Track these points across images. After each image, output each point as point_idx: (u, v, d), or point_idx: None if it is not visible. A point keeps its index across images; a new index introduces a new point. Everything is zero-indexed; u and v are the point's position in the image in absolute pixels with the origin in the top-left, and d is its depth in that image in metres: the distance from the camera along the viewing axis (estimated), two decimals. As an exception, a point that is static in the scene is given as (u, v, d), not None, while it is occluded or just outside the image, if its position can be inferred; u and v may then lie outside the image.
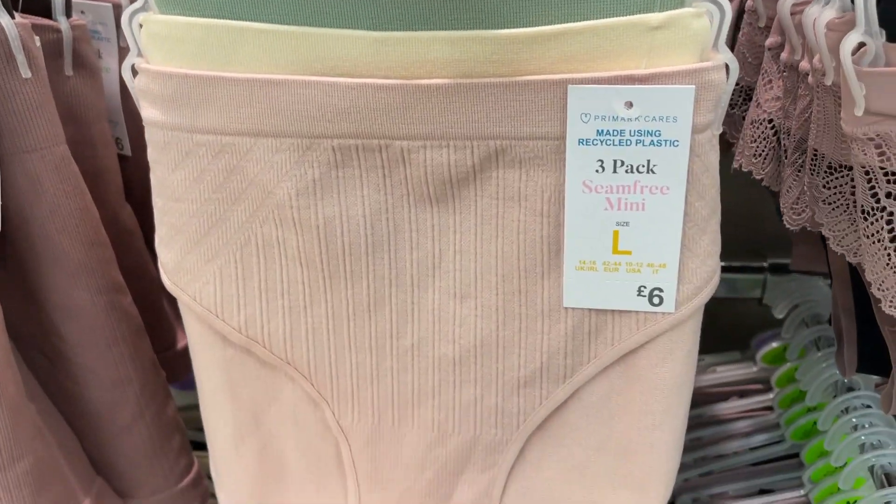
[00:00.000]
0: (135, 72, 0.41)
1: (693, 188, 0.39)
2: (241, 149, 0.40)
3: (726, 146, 0.61)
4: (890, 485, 0.63)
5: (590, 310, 0.41)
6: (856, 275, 0.59)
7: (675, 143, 0.37)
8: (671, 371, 0.42)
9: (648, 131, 0.37)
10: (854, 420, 0.69)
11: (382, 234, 0.41)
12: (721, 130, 0.39)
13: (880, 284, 0.40)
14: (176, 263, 0.44)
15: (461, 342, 0.43)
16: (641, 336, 0.41)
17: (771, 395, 0.85)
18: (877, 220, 0.39)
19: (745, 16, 0.55)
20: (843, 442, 0.68)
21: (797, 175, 0.49)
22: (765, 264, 0.90)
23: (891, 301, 0.40)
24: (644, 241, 0.40)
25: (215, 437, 0.48)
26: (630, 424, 0.44)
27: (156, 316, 0.65)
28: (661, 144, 0.37)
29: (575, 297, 0.41)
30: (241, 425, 0.47)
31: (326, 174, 0.40)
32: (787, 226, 0.50)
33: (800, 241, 0.75)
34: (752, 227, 0.97)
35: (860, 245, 0.42)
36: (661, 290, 0.41)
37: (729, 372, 0.92)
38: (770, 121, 0.51)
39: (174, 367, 0.67)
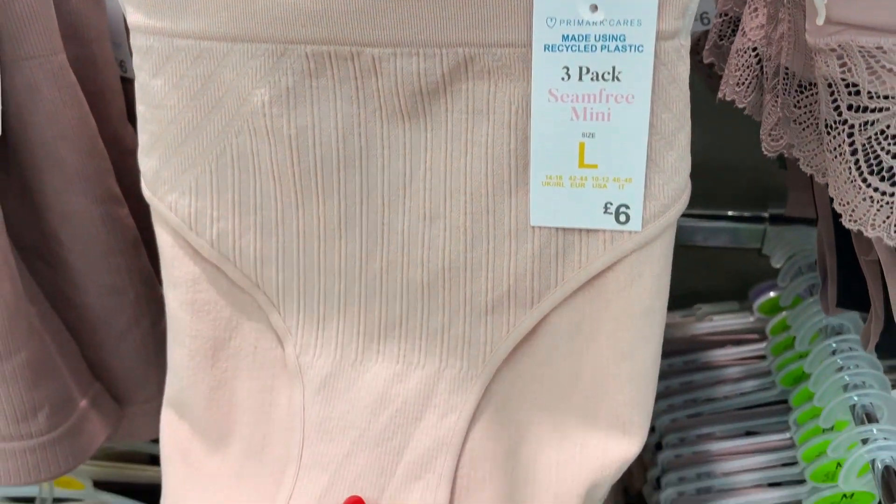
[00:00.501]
0: None
1: (659, 98, 0.39)
2: (217, 54, 0.41)
3: (718, 81, 0.61)
4: (871, 423, 0.64)
5: (557, 230, 0.42)
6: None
7: (640, 49, 0.38)
8: (639, 295, 0.42)
9: (613, 36, 0.38)
10: (839, 361, 0.69)
11: (354, 149, 0.42)
12: (689, 41, 0.40)
13: (841, 199, 0.40)
14: (155, 172, 0.45)
15: (430, 266, 0.43)
16: (609, 257, 0.42)
17: (765, 345, 0.86)
18: (839, 134, 0.39)
19: (733, -56, 0.55)
20: (827, 382, 0.69)
21: (775, 100, 0.49)
22: (765, 214, 0.90)
23: (850, 215, 0.40)
24: (610, 153, 0.40)
25: (174, 360, 0.48)
26: (599, 356, 0.43)
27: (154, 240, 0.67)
28: (625, 50, 0.38)
29: (542, 215, 0.42)
30: (196, 353, 0.46)
31: (300, 83, 0.41)
32: (766, 152, 0.51)
33: (794, 185, 0.75)
34: (754, 177, 0.97)
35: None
36: (627, 206, 0.41)
37: (725, 321, 0.93)
38: (754, 49, 0.52)
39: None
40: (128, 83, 0.66)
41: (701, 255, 0.96)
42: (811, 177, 0.65)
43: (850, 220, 0.40)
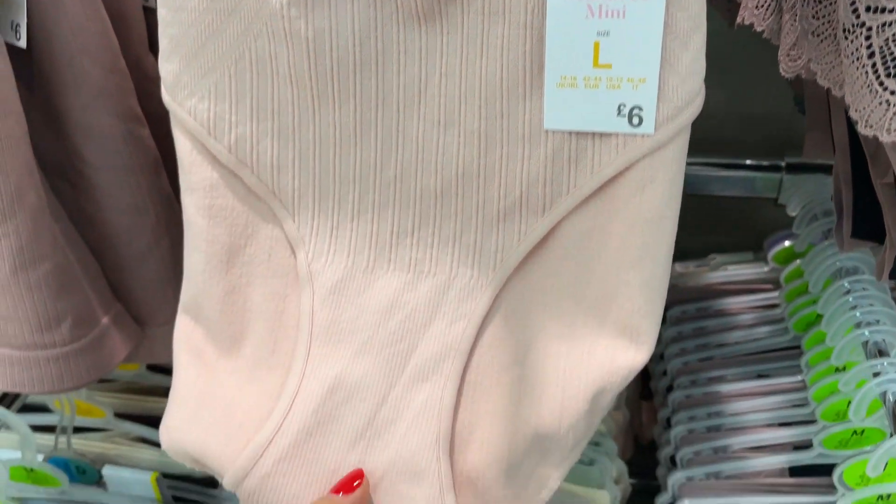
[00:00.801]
0: None
1: None
2: None
3: (737, 10, 0.61)
4: (882, 357, 0.64)
5: (570, 135, 0.42)
6: (855, 141, 0.59)
7: None
8: (651, 200, 0.42)
9: (629, -71, 0.38)
10: (852, 300, 0.69)
11: (371, 53, 0.42)
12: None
13: (857, 105, 0.41)
14: (174, 77, 0.46)
15: (443, 173, 0.44)
16: (621, 161, 0.42)
17: (779, 293, 0.86)
18: (856, 38, 0.39)
19: None
20: (839, 320, 0.69)
21: (793, 21, 0.49)
22: (782, 163, 0.89)
23: (866, 121, 0.40)
24: (624, 52, 0.40)
25: (191, 265, 0.49)
26: (609, 264, 0.44)
27: (176, 165, 0.68)
28: None
29: (556, 118, 0.42)
30: (212, 258, 0.47)
31: None
32: (783, 73, 0.51)
33: (812, 126, 0.75)
34: (772, 126, 0.97)
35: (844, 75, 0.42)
36: (640, 108, 0.41)
37: (739, 270, 0.93)
38: (774, -30, 0.51)
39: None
40: (150, 13, 0.66)
41: (717, 206, 0.96)
42: (829, 112, 0.65)
43: (865, 126, 0.40)
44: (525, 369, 0.45)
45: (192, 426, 0.46)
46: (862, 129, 0.40)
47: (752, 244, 0.97)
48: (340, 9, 0.41)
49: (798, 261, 0.84)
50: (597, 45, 0.41)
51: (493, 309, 0.45)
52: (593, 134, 0.42)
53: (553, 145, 0.42)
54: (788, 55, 0.50)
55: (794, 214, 0.85)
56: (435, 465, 0.43)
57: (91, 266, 0.58)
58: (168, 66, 0.46)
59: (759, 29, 0.55)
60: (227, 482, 0.44)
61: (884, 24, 0.38)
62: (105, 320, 0.58)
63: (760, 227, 0.95)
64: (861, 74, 0.40)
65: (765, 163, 0.91)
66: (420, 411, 0.44)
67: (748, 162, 0.91)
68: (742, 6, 0.56)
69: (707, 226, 0.97)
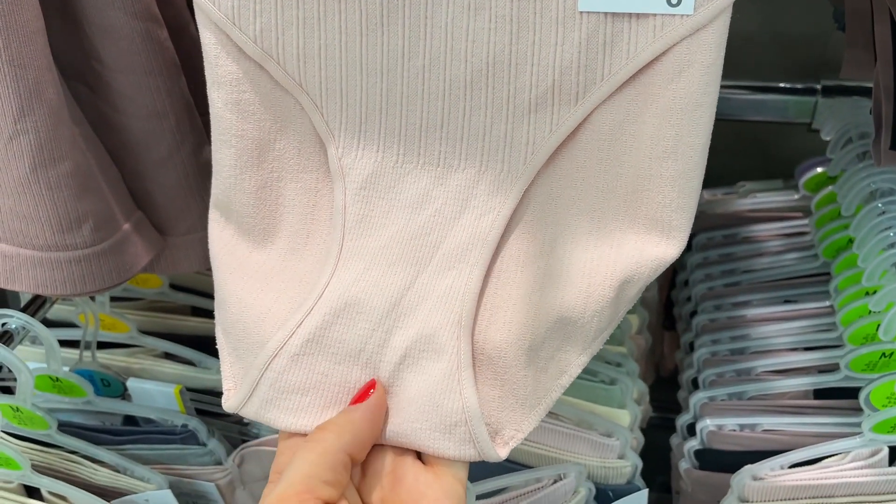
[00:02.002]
0: None
1: None
2: None
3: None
4: (914, 280, 0.63)
5: (605, 17, 0.40)
6: (900, 48, 0.56)
7: None
8: (688, 87, 0.41)
9: None
10: (885, 221, 0.68)
11: None
12: None
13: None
14: None
15: (473, 60, 0.42)
16: (659, 45, 0.40)
17: (809, 220, 0.84)
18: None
19: None
20: (872, 241, 0.67)
21: None
22: (817, 86, 0.86)
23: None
24: None
25: (220, 161, 0.48)
26: (641, 155, 0.43)
27: (195, 76, 0.67)
28: None
29: None
30: (243, 153, 0.46)
31: None
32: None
33: (852, 44, 0.72)
34: (808, 48, 0.93)
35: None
36: None
37: (769, 198, 0.91)
38: None
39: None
40: (166, -85, 0.64)
41: (748, 132, 0.93)
42: (871, 23, 0.62)
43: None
44: (552, 259, 0.45)
45: (234, 323, 0.47)
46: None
47: (783, 171, 0.94)
48: None
49: (830, 187, 0.82)
50: (634, -79, 0.39)
51: (523, 202, 0.45)
52: (629, 15, 0.40)
53: (587, 28, 0.40)
54: (833, -52, 0.48)
55: (828, 139, 0.83)
56: (454, 343, 0.43)
57: (111, 171, 0.57)
58: None
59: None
60: (257, 363, 0.44)
61: None
62: (126, 226, 0.57)
63: (792, 153, 0.93)
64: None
65: (798, 86, 0.88)
66: (444, 294, 0.44)
67: (781, 85, 0.88)
68: None
69: (737, 152, 0.94)
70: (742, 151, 0.97)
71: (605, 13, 0.40)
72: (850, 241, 0.73)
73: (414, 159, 0.45)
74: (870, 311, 0.67)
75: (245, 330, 0.45)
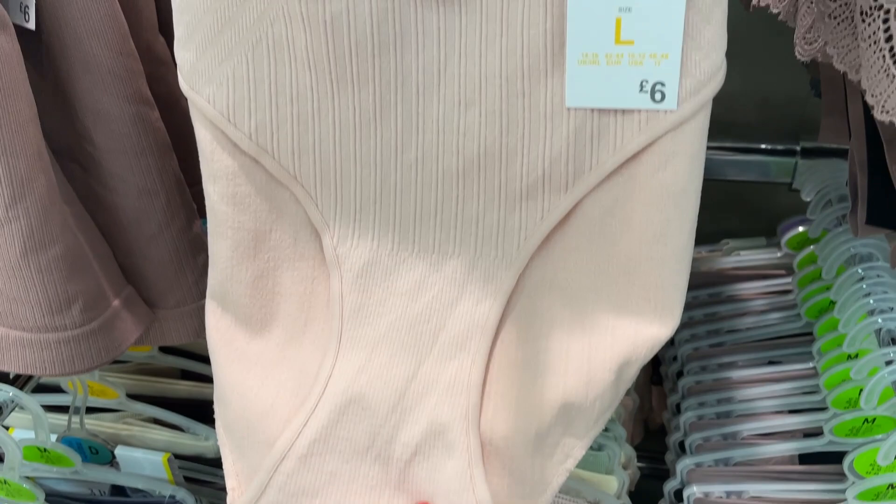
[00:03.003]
0: None
1: None
2: None
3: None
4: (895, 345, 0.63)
5: (592, 111, 0.42)
6: (871, 126, 0.58)
7: None
8: (674, 175, 0.42)
9: None
10: (865, 287, 0.69)
11: (388, 35, 0.42)
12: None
13: (874, 90, 0.40)
14: (191, 65, 0.45)
15: (465, 153, 0.43)
16: (644, 137, 0.41)
17: (792, 279, 0.85)
18: (874, 21, 0.38)
19: None
20: (852, 307, 0.69)
21: (810, 3, 0.48)
22: (797, 147, 0.88)
23: (882, 106, 0.40)
24: (646, 28, 0.40)
25: (216, 253, 0.49)
26: (632, 239, 0.44)
27: (187, 149, 0.68)
28: None
29: (578, 96, 0.41)
30: (239, 245, 0.47)
31: None
32: (799, 57, 0.50)
33: (828, 111, 0.74)
34: (787, 110, 0.95)
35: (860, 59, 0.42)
36: (663, 84, 0.41)
37: (752, 256, 0.92)
38: (790, -49, 0.50)
39: (200, 201, 0.70)
40: (159, -6, 0.66)
41: (731, 191, 0.95)
42: (845, 96, 0.64)
43: (882, 112, 0.40)
44: (550, 342, 0.45)
45: (237, 420, 0.47)
46: (878, 115, 0.40)
47: (765, 229, 0.96)
48: None
49: (811, 246, 0.83)
50: (619, 22, 0.40)
51: (518, 287, 0.45)
52: (616, 110, 0.41)
53: (575, 123, 0.42)
54: (804, 38, 0.49)
55: (808, 199, 0.85)
56: (464, 438, 0.44)
57: (101, 248, 0.58)
58: (184, 54, 0.45)
59: (774, 11, 0.54)
60: (265, 466, 0.45)
61: (902, 8, 0.37)
62: (116, 303, 0.58)
63: (774, 212, 0.94)
64: (878, 59, 0.39)
65: (779, 147, 0.90)
66: (449, 385, 0.45)
67: (763, 146, 0.90)
68: (758, -12, 0.55)
69: (720, 210, 0.96)
70: (725, 210, 0.99)
71: (592, 109, 0.42)
72: (832, 302, 0.74)
73: (409, 247, 0.46)
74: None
75: (248, 427, 0.46)
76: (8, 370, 0.54)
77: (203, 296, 0.63)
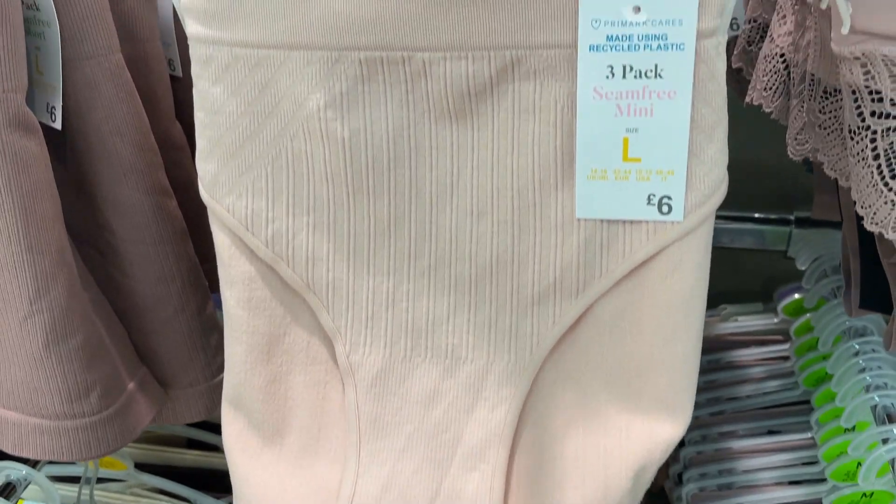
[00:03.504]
0: None
1: (699, 94, 0.41)
2: (275, 62, 0.43)
3: (743, 90, 0.62)
4: (891, 423, 0.65)
5: (602, 222, 0.43)
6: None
7: (681, 47, 0.39)
8: (681, 282, 0.43)
9: (655, 35, 0.39)
10: (861, 362, 0.70)
11: (404, 149, 0.44)
12: (726, 38, 0.41)
13: (863, 202, 0.42)
14: (213, 176, 0.47)
15: (477, 260, 0.45)
16: (652, 246, 0.43)
17: (789, 346, 0.87)
18: (862, 139, 0.41)
19: (764, -48, 0.56)
20: (849, 383, 0.70)
21: (801, 106, 0.51)
22: (791, 217, 0.91)
23: (872, 218, 0.42)
24: (653, 147, 0.42)
25: (231, 356, 0.50)
26: (642, 343, 0.45)
27: (200, 229, 0.70)
28: (667, 48, 0.40)
29: (587, 208, 0.43)
30: (253, 349, 0.48)
31: (353, 88, 0.43)
32: (791, 156, 0.53)
33: (821, 189, 0.76)
34: (780, 180, 0.98)
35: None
36: (669, 197, 0.42)
37: (750, 321, 0.94)
38: (782, 55, 0.53)
39: (214, 278, 0.71)
40: (175, 81, 0.69)
41: (727, 257, 0.97)
42: (836, 181, 0.66)
43: (871, 223, 0.42)
44: (566, 448, 0.46)
45: None
46: (868, 226, 0.42)
47: (761, 292, 0.98)
48: (375, 109, 0.43)
49: (808, 314, 0.85)
50: (626, 141, 0.42)
51: (532, 392, 0.46)
52: (624, 221, 0.43)
53: (585, 232, 0.43)
54: (796, 139, 0.52)
55: (803, 268, 0.87)
56: None
57: (118, 332, 0.60)
58: (206, 166, 0.47)
59: (767, 110, 0.56)
60: None
61: (888, 129, 0.39)
62: (131, 385, 0.59)
63: (770, 276, 0.96)
64: (867, 174, 0.41)
65: (773, 216, 0.92)
66: (472, 500, 0.45)
67: (757, 215, 0.93)
68: (751, 86, 0.58)
69: (716, 275, 0.97)
70: (722, 274, 1.00)
71: (602, 219, 0.43)
72: (830, 374, 0.76)
73: (422, 353, 0.47)
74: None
75: None
76: (26, 456, 0.56)
77: (214, 375, 0.65)
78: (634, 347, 0.45)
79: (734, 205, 0.94)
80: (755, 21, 0.59)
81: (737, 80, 0.67)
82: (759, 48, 0.60)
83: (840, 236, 0.88)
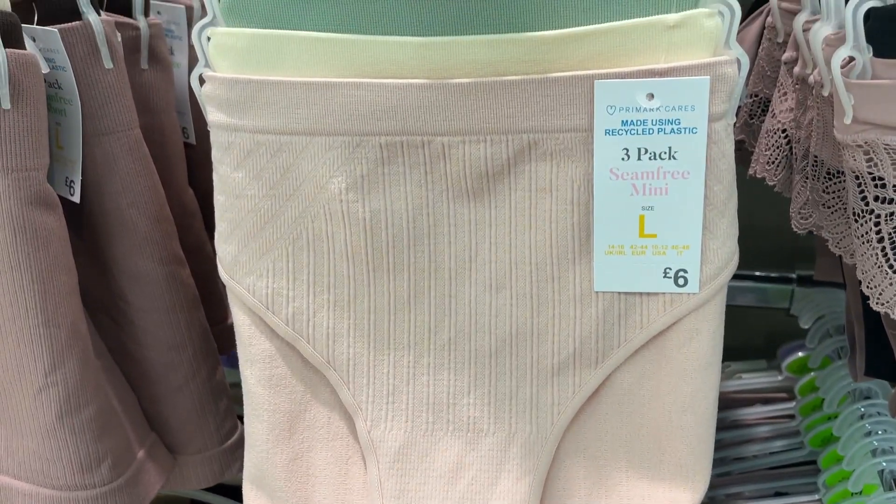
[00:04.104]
0: (202, 80, 0.45)
1: (711, 173, 0.42)
2: (297, 147, 0.44)
3: (747, 155, 0.64)
4: (899, 489, 0.65)
5: (619, 294, 0.44)
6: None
7: (694, 131, 0.41)
8: (697, 351, 0.44)
9: (669, 120, 0.41)
10: (868, 426, 0.71)
11: (423, 227, 0.44)
12: (734, 120, 0.43)
13: (869, 282, 0.43)
14: (233, 257, 0.47)
15: (497, 332, 0.45)
16: (668, 317, 0.44)
17: (794, 404, 0.87)
18: (866, 222, 0.42)
19: (765, 32, 0.58)
20: (855, 447, 0.70)
21: (804, 181, 0.52)
22: (793, 276, 0.92)
23: (878, 298, 0.43)
24: (668, 224, 0.43)
25: (253, 434, 0.50)
26: (661, 409, 0.45)
27: (210, 292, 0.71)
28: (681, 132, 0.41)
29: (605, 281, 0.44)
30: (275, 427, 0.49)
31: (374, 170, 0.43)
32: (795, 229, 0.54)
33: (822, 252, 0.77)
34: (782, 239, 0.99)
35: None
36: (685, 271, 0.44)
37: (754, 379, 0.94)
38: (783, 130, 0.55)
39: (223, 340, 0.72)
40: (189, 148, 0.70)
41: (729, 313, 0.98)
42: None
43: (877, 303, 0.43)
44: None
45: None
46: (874, 305, 0.43)
47: (763, 347, 0.98)
48: (395, 190, 0.44)
49: (812, 373, 0.86)
50: (642, 219, 0.43)
51: (555, 462, 0.47)
52: (642, 293, 0.44)
53: (603, 304, 0.44)
54: (800, 213, 0.53)
55: (806, 327, 0.87)
56: None
57: (129, 400, 0.60)
58: (226, 248, 0.47)
59: (770, 183, 0.58)
60: None
61: (891, 214, 0.40)
62: (141, 454, 0.59)
63: (773, 333, 0.97)
64: (871, 255, 0.42)
65: (775, 274, 0.93)
66: None
67: (758, 273, 0.94)
68: (754, 159, 0.59)
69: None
70: (725, 332, 1.01)
71: (619, 292, 0.44)
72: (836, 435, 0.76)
73: (444, 426, 0.47)
74: (859, 516, 0.69)
75: None
76: (36, 528, 0.55)
77: (224, 441, 0.65)
78: (653, 414, 0.46)
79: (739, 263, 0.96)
80: (756, 96, 0.61)
81: (738, 149, 0.68)
82: (761, 121, 0.62)
83: (842, 295, 0.89)
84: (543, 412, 0.46)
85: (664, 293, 0.44)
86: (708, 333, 0.45)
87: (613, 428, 0.47)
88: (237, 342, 0.49)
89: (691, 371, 0.45)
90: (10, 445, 0.54)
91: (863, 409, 0.72)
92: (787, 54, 0.54)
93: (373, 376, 0.47)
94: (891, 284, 0.41)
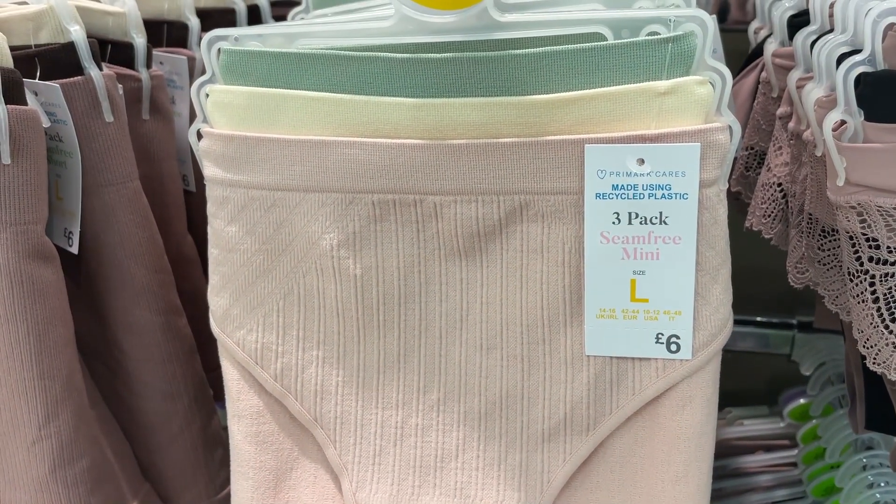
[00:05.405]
0: (199, 135, 0.46)
1: (703, 239, 0.42)
2: (290, 203, 0.44)
3: (744, 205, 0.64)
4: (902, 543, 0.64)
5: (611, 359, 0.44)
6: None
7: (685, 196, 0.41)
8: (691, 419, 0.44)
9: (660, 185, 0.41)
10: (870, 478, 0.70)
11: (414, 285, 0.45)
12: (727, 186, 0.42)
13: (865, 342, 0.43)
14: (224, 311, 0.48)
15: (487, 394, 0.45)
16: (661, 384, 0.44)
17: (796, 452, 0.86)
18: (861, 282, 0.42)
19: (759, 86, 0.59)
20: (858, 498, 0.70)
21: (800, 237, 0.52)
22: (794, 322, 0.92)
23: (875, 358, 0.42)
24: (660, 288, 0.43)
25: (238, 492, 0.50)
26: (654, 478, 0.45)
27: (208, 337, 0.70)
28: (671, 197, 0.41)
29: (596, 345, 0.44)
30: (260, 485, 0.48)
31: (366, 227, 0.44)
32: (792, 284, 0.54)
33: (822, 300, 0.77)
34: (782, 285, 0.99)
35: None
36: (677, 336, 0.43)
37: (756, 426, 0.94)
38: (779, 184, 0.55)
39: (220, 386, 0.72)
40: (189, 195, 0.70)
41: (730, 359, 0.97)
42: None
43: (874, 363, 0.42)
44: None
45: None
46: (871, 366, 0.42)
47: (765, 392, 0.98)
48: (386, 247, 0.44)
49: (815, 421, 0.85)
50: (633, 283, 0.43)
51: None
52: (634, 358, 0.44)
53: (595, 369, 0.44)
54: (796, 268, 0.53)
55: (807, 374, 0.87)
56: None
57: (123, 450, 0.59)
58: (218, 301, 0.48)
59: (766, 236, 0.58)
60: None
61: (886, 275, 0.40)
62: (134, 504, 0.59)
63: (773, 378, 0.96)
64: (867, 315, 0.42)
65: (775, 320, 0.93)
66: None
67: (759, 318, 0.93)
68: (750, 212, 0.59)
69: (722, 379, 0.98)
70: (725, 376, 1.00)
71: (611, 356, 0.44)
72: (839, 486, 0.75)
73: (430, 490, 0.46)
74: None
75: None
76: (26, 581, 0.55)
77: (218, 491, 0.65)
78: (646, 484, 0.45)
79: (736, 307, 0.96)
80: (752, 149, 0.61)
81: (735, 198, 0.68)
82: (757, 174, 0.62)
83: (843, 341, 0.89)
84: (533, 479, 0.45)
85: (657, 359, 0.43)
86: (701, 401, 0.44)
87: (605, 497, 0.46)
88: (226, 396, 0.49)
89: (685, 439, 0.44)
90: (3, 498, 0.54)
91: (865, 461, 0.72)
92: (782, 109, 0.54)
93: (360, 436, 0.47)
94: (887, 345, 0.41)
